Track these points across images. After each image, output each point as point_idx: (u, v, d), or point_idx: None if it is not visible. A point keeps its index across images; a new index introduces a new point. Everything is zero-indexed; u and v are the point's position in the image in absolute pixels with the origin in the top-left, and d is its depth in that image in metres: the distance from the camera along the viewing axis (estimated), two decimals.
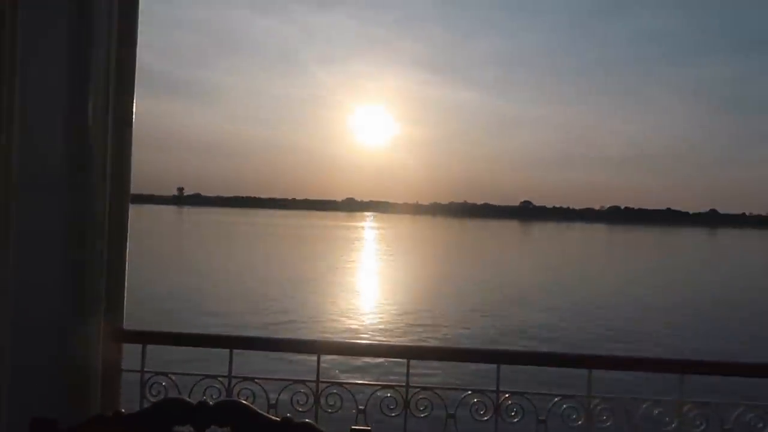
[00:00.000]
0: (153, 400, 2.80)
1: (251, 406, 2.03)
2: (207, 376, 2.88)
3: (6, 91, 2.17)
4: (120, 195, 2.85)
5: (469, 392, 2.82)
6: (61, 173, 2.60)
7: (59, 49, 2.56)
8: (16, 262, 2.28)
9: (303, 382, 2.86)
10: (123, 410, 2.05)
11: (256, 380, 2.87)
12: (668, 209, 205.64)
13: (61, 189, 2.61)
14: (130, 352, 2.93)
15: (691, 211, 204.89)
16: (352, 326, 18.03)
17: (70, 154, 2.62)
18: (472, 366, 3.29)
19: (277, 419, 1.91)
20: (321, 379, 2.84)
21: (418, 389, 2.81)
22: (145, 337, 2.95)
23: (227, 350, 2.90)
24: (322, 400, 2.82)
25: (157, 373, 2.89)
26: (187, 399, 2.11)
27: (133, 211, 2.95)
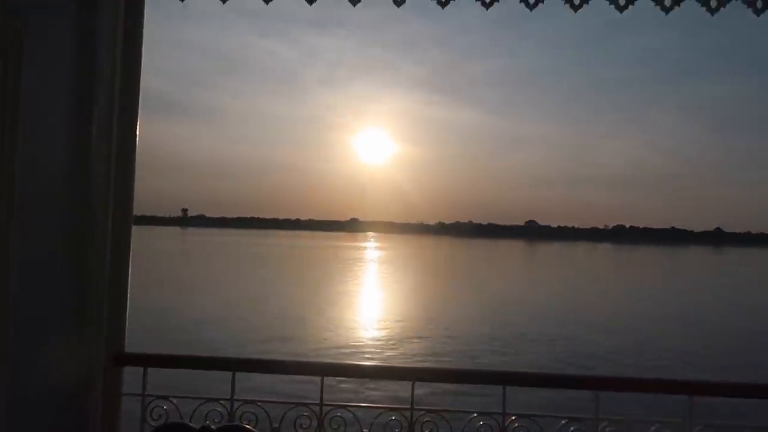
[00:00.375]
0: (154, 424, 2.77)
1: (254, 430, 2.00)
2: (209, 400, 2.84)
3: (8, 96, 2.16)
4: (123, 215, 2.84)
5: (475, 415, 2.78)
6: (63, 190, 2.58)
7: (63, 58, 2.56)
8: (16, 285, 2.26)
9: (306, 404, 2.82)
10: None
11: (258, 403, 2.83)
12: (673, 228, 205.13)
13: (62, 207, 2.59)
14: (131, 376, 2.91)
15: (695, 230, 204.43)
16: (358, 350, 17.92)
17: (72, 167, 2.61)
18: (478, 388, 3.23)
19: None
20: (324, 402, 2.80)
21: (423, 412, 2.78)
22: (145, 360, 2.92)
23: (229, 373, 2.88)
24: (326, 423, 2.78)
25: (158, 397, 2.86)
26: (190, 423, 2.09)
27: (136, 232, 2.94)
